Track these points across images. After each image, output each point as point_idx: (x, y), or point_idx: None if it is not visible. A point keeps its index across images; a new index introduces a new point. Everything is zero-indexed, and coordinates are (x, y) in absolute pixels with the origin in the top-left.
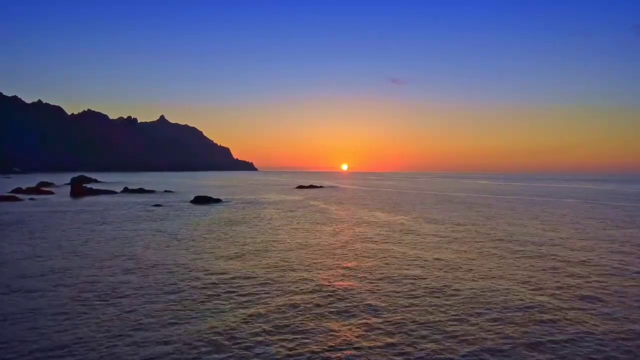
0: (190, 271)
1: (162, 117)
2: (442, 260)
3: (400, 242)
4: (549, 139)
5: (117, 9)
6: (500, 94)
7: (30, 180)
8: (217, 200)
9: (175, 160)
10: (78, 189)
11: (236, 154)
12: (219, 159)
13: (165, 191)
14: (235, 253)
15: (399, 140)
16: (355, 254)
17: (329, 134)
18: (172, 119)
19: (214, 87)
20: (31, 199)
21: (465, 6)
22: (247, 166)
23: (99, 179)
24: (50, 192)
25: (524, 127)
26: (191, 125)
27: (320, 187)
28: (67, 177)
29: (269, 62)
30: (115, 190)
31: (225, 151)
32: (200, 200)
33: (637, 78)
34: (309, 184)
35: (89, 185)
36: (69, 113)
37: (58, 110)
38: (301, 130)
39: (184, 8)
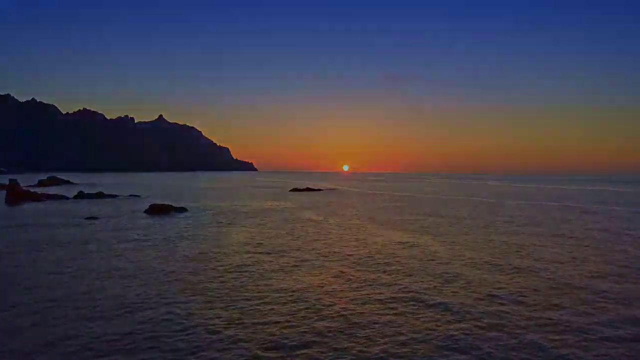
0: None
1: (160, 116)
2: None
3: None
4: (548, 139)
5: (114, 7)
6: (501, 92)
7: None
8: (181, 210)
9: (174, 161)
10: (15, 195)
11: (236, 154)
12: (218, 159)
13: (131, 195)
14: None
15: (399, 140)
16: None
17: (330, 134)
18: (171, 119)
19: (213, 86)
20: None
21: (464, 4)
22: (247, 166)
23: (75, 181)
24: None
25: (524, 127)
26: (190, 125)
27: (318, 190)
28: (45, 178)
29: (268, 62)
30: (67, 196)
31: (225, 151)
32: (156, 210)
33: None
34: (304, 187)
35: (32, 189)
36: (64, 112)
37: (52, 109)
38: (301, 130)
39: (182, 6)
